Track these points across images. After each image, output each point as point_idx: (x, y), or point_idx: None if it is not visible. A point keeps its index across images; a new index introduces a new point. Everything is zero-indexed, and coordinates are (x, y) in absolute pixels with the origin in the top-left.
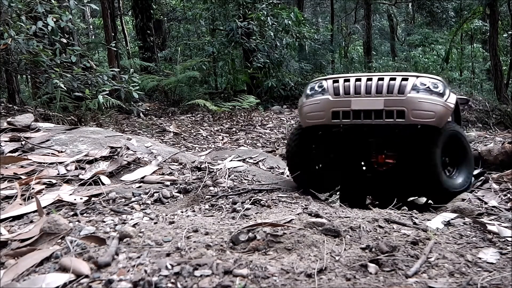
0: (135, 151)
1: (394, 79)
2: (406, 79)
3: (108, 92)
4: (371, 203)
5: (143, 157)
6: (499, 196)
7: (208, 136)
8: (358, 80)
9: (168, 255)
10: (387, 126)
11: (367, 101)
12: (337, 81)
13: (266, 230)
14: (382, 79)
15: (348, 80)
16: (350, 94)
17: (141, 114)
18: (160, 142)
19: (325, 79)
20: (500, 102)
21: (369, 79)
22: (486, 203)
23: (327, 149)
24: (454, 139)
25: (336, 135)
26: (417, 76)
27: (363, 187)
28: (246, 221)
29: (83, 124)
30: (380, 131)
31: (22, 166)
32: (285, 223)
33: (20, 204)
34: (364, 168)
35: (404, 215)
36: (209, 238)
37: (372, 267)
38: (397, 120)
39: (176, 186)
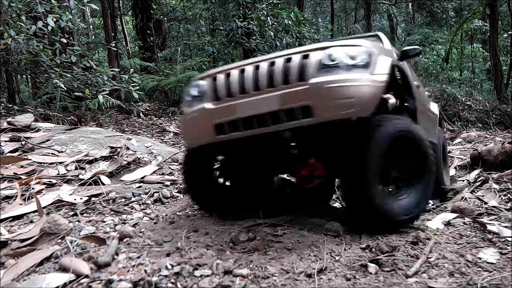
0: (135, 151)
1: (290, 59)
2: (307, 56)
3: (108, 92)
4: None
5: (143, 157)
6: (499, 196)
7: None
8: (243, 71)
9: (168, 255)
10: (295, 128)
11: (257, 101)
12: (215, 78)
13: (266, 230)
14: (273, 63)
15: (230, 74)
16: (234, 96)
17: (141, 114)
18: (160, 142)
19: (203, 77)
20: (500, 102)
21: (258, 67)
22: (486, 203)
23: (231, 169)
24: (404, 142)
25: (237, 150)
26: (324, 48)
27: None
28: (246, 221)
29: (83, 124)
30: (287, 137)
31: (22, 166)
32: (285, 223)
33: (20, 204)
34: (283, 186)
35: None
36: (209, 238)
37: (372, 267)
38: (303, 120)
39: (176, 186)
